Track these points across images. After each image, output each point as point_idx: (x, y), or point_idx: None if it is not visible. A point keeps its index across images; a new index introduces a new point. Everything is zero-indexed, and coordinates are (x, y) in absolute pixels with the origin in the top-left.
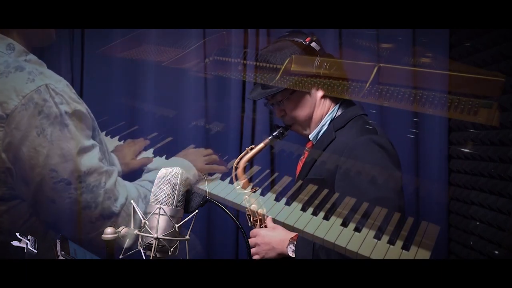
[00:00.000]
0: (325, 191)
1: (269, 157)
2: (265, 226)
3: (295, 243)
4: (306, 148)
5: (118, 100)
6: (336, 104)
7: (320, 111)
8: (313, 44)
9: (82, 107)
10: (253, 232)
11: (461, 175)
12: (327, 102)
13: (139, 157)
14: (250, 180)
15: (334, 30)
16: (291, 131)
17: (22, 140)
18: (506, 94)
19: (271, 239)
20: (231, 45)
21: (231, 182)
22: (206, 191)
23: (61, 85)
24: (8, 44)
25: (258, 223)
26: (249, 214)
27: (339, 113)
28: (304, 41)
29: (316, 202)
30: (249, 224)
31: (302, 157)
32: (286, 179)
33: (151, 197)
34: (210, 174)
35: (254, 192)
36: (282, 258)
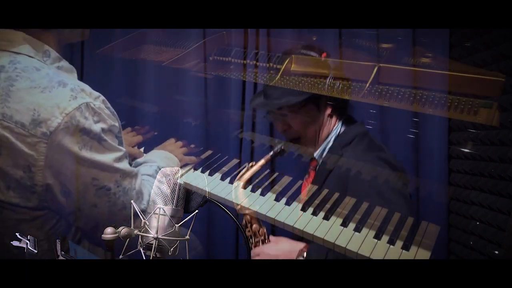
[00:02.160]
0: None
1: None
2: (268, 241)
3: (305, 255)
4: (311, 167)
5: (118, 100)
6: (340, 120)
7: (327, 128)
8: (330, 62)
9: (115, 121)
10: (255, 251)
11: (461, 175)
12: (333, 119)
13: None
14: (250, 180)
15: (334, 30)
16: None
17: (66, 155)
18: (506, 94)
19: (277, 253)
20: (231, 45)
21: (231, 182)
22: (206, 191)
23: (98, 102)
24: (45, 51)
25: (260, 243)
26: (251, 236)
27: (343, 129)
28: (320, 56)
29: (316, 202)
30: (251, 245)
31: (307, 177)
32: (286, 179)
33: (151, 197)
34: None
35: (254, 192)
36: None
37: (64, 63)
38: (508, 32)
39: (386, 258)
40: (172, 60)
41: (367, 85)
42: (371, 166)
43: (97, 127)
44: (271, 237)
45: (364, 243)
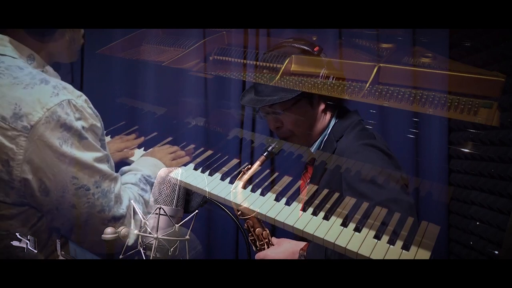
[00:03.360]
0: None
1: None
2: (272, 244)
3: (305, 254)
4: (309, 163)
5: (118, 100)
6: (334, 114)
7: (321, 124)
8: (322, 55)
9: (97, 121)
10: (259, 255)
11: (461, 175)
12: (328, 114)
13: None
14: (250, 180)
15: (334, 30)
16: None
17: (45, 150)
18: (506, 94)
19: (280, 255)
20: (231, 45)
21: (231, 182)
22: (206, 191)
23: (80, 100)
24: (29, 55)
25: (265, 246)
26: (254, 239)
27: (336, 121)
28: (313, 50)
29: (316, 202)
30: (255, 249)
31: (305, 172)
32: (286, 179)
33: (151, 197)
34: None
35: (254, 192)
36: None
37: (49, 68)
38: (508, 32)
39: (386, 258)
40: (172, 60)
41: (367, 85)
42: (362, 154)
43: (78, 124)
44: (274, 240)
45: (364, 243)
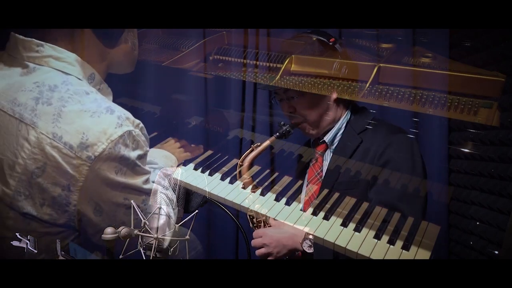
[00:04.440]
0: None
1: (269, 157)
2: (269, 226)
3: (311, 237)
4: (319, 152)
5: (118, 100)
6: (348, 108)
7: (333, 113)
8: (337, 46)
9: (148, 146)
10: (257, 232)
11: (461, 175)
12: (341, 105)
13: None
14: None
15: (334, 30)
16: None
17: (103, 179)
18: (506, 94)
19: (279, 236)
20: (231, 45)
21: (231, 182)
22: (206, 191)
23: (138, 129)
24: (91, 74)
25: (262, 224)
26: (251, 215)
27: (352, 117)
28: (329, 41)
29: (316, 202)
30: (251, 226)
31: (314, 162)
32: (286, 179)
33: (151, 198)
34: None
35: (254, 192)
36: (291, 254)
37: (104, 85)
38: (508, 32)
39: (386, 258)
40: (172, 60)
41: (367, 85)
42: (405, 145)
43: (134, 154)
44: (272, 221)
45: (364, 243)
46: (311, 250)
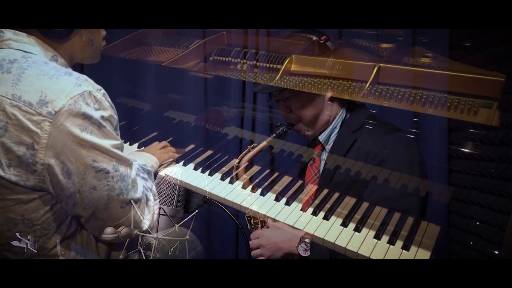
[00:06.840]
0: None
1: (269, 157)
2: (267, 228)
3: (307, 241)
4: (316, 153)
5: (118, 100)
6: (343, 107)
7: (328, 112)
8: (328, 43)
9: (114, 113)
10: (255, 233)
11: (461, 175)
12: (335, 104)
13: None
14: (250, 180)
15: (334, 30)
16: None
17: (67, 136)
18: (506, 94)
19: (276, 239)
20: (231, 45)
21: (231, 182)
22: (206, 191)
23: (99, 94)
24: (53, 56)
25: (260, 225)
26: (249, 216)
27: (348, 115)
28: (320, 39)
29: (316, 202)
30: (249, 227)
31: (312, 162)
32: (286, 179)
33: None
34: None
35: (254, 192)
36: (287, 257)
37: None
38: (508, 32)
39: (386, 258)
40: (172, 60)
41: (367, 85)
42: (401, 144)
43: (97, 114)
44: (270, 222)
45: (364, 243)
46: (306, 254)
